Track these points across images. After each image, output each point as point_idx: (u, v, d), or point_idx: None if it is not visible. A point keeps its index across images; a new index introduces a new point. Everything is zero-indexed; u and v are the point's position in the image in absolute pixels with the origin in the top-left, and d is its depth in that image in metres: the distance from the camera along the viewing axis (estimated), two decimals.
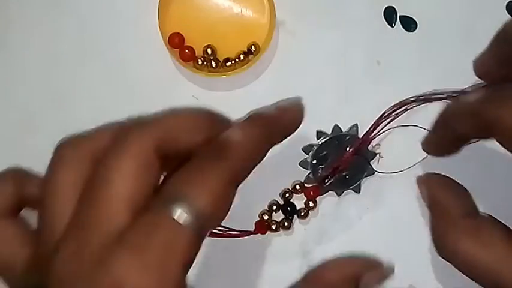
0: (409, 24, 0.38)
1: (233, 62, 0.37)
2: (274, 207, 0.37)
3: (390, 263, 0.29)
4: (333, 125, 0.37)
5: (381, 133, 0.37)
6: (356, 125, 0.37)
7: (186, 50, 0.37)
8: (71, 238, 0.22)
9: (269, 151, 0.25)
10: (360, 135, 0.37)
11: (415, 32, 0.38)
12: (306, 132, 0.38)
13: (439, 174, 0.28)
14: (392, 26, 0.38)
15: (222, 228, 0.36)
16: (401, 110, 0.37)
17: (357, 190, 0.37)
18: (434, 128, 0.30)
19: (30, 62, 0.39)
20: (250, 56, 0.37)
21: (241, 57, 0.37)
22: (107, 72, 0.38)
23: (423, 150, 0.30)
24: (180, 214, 0.22)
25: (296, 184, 0.37)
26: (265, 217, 0.37)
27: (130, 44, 0.38)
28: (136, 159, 0.23)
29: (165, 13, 0.37)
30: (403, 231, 0.38)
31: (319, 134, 0.37)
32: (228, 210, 0.24)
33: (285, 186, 0.38)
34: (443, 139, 0.29)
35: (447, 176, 0.28)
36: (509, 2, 0.38)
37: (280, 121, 0.27)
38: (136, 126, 0.24)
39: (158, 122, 0.25)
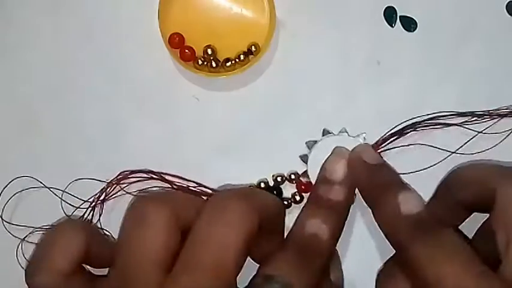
0: (409, 24, 0.38)
1: (233, 62, 0.37)
2: (262, 185, 0.38)
3: None
4: (335, 125, 0.37)
5: (389, 149, 0.37)
6: (364, 134, 0.37)
7: (186, 50, 0.37)
8: None
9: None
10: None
11: (415, 32, 0.38)
12: (307, 130, 0.38)
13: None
14: (392, 26, 0.38)
15: (203, 189, 0.37)
16: (412, 129, 0.37)
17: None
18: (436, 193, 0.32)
19: (31, 62, 0.39)
20: (250, 56, 0.37)
21: (242, 57, 0.37)
22: (107, 73, 0.38)
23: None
24: None
25: (292, 173, 0.37)
26: None
27: (131, 45, 0.38)
28: (164, 225, 0.26)
29: (165, 13, 0.37)
30: None
31: (325, 132, 0.37)
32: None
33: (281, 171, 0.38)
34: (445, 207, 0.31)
35: None
36: (509, 2, 0.38)
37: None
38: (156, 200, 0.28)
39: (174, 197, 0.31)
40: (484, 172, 0.28)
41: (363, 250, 0.38)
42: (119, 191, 0.37)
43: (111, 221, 0.37)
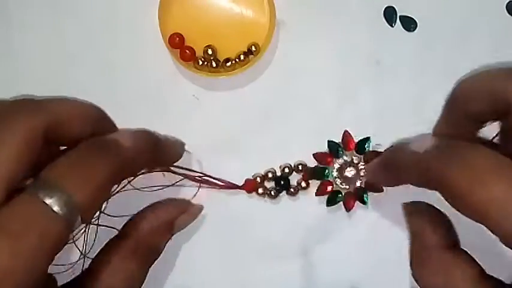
0: (409, 24, 0.38)
1: (233, 62, 0.37)
2: (270, 175, 0.38)
3: (199, 205, 0.34)
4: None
5: None
6: (368, 138, 0.37)
7: (187, 50, 0.37)
8: None
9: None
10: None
11: (415, 32, 0.38)
12: (307, 130, 0.38)
13: (423, 202, 0.27)
14: (392, 26, 0.38)
15: (210, 179, 0.37)
16: None
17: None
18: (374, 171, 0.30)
19: (30, 62, 0.39)
20: (251, 56, 0.37)
21: (242, 57, 0.37)
22: (107, 72, 0.38)
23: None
24: (57, 204, 0.21)
25: (300, 164, 0.37)
26: (258, 180, 0.37)
27: (131, 44, 0.38)
28: (22, 138, 0.22)
29: (165, 13, 0.37)
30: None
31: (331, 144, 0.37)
32: (100, 208, 0.24)
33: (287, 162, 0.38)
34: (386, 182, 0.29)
35: (431, 206, 0.27)
36: (509, 2, 0.38)
37: (164, 149, 0.30)
38: (28, 105, 0.24)
39: (51, 105, 0.24)
40: (490, 77, 0.24)
41: (365, 253, 0.38)
42: (117, 188, 0.37)
43: (109, 219, 0.37)
